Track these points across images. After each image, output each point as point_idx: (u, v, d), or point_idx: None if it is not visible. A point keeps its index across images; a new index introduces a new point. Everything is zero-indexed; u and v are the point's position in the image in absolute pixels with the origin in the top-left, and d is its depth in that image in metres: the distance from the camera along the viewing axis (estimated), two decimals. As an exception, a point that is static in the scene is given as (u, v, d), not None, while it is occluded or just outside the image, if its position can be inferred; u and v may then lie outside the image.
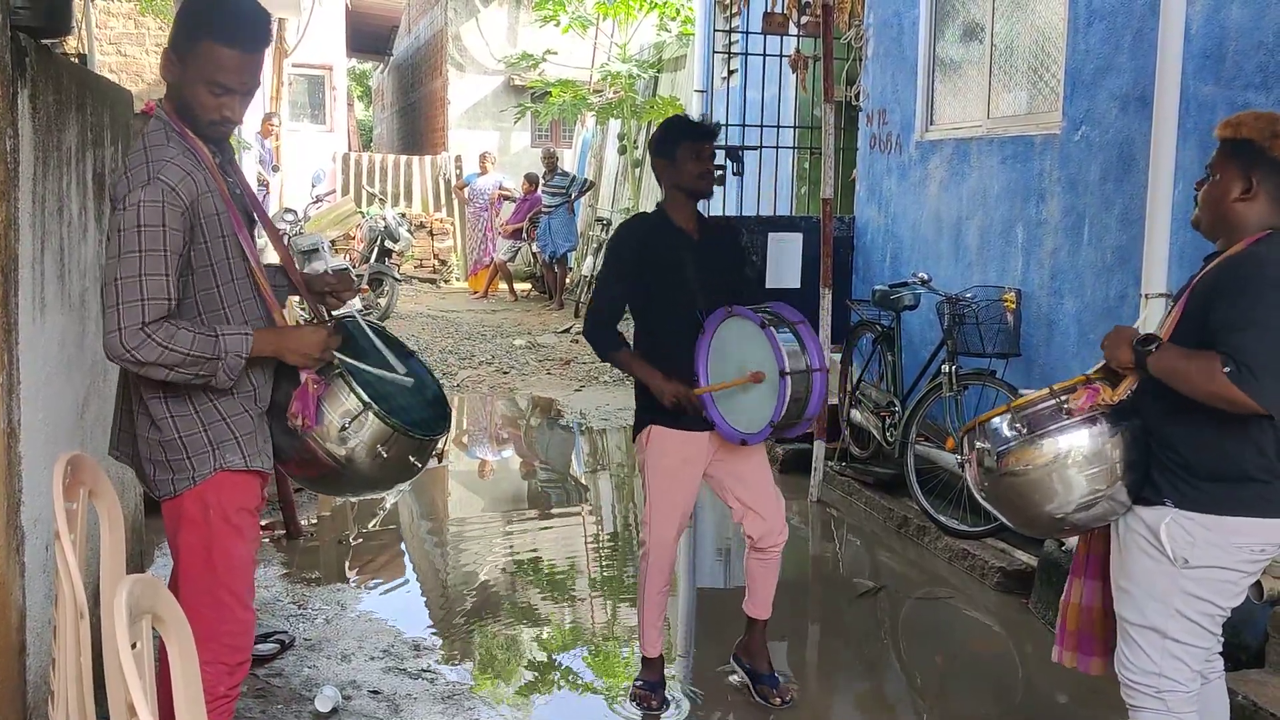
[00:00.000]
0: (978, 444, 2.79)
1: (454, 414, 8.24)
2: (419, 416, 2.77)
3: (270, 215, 13.28)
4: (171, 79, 2.51)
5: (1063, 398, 2.67)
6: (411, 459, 2.72)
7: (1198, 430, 2.56)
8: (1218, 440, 2.54)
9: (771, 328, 3.33)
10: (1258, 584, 3.66)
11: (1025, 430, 2.68)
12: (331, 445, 2.61)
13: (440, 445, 2.84)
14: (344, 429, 2.59)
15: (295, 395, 2.58)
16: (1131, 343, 2.61)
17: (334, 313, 2.88)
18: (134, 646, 1.59)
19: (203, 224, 2.46)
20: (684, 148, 3.58)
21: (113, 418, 2.73)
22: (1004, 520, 2.94)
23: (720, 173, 8.21)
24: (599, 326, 3.66)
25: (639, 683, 3.77)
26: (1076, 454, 2.63)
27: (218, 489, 2.55)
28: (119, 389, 2.69)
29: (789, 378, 3.26)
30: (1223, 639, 2.70)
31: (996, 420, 2.76)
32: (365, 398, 2.59)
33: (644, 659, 3.77)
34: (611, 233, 3.73)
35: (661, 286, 3.57)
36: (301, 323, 2.81)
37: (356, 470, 2.66)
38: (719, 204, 9.10)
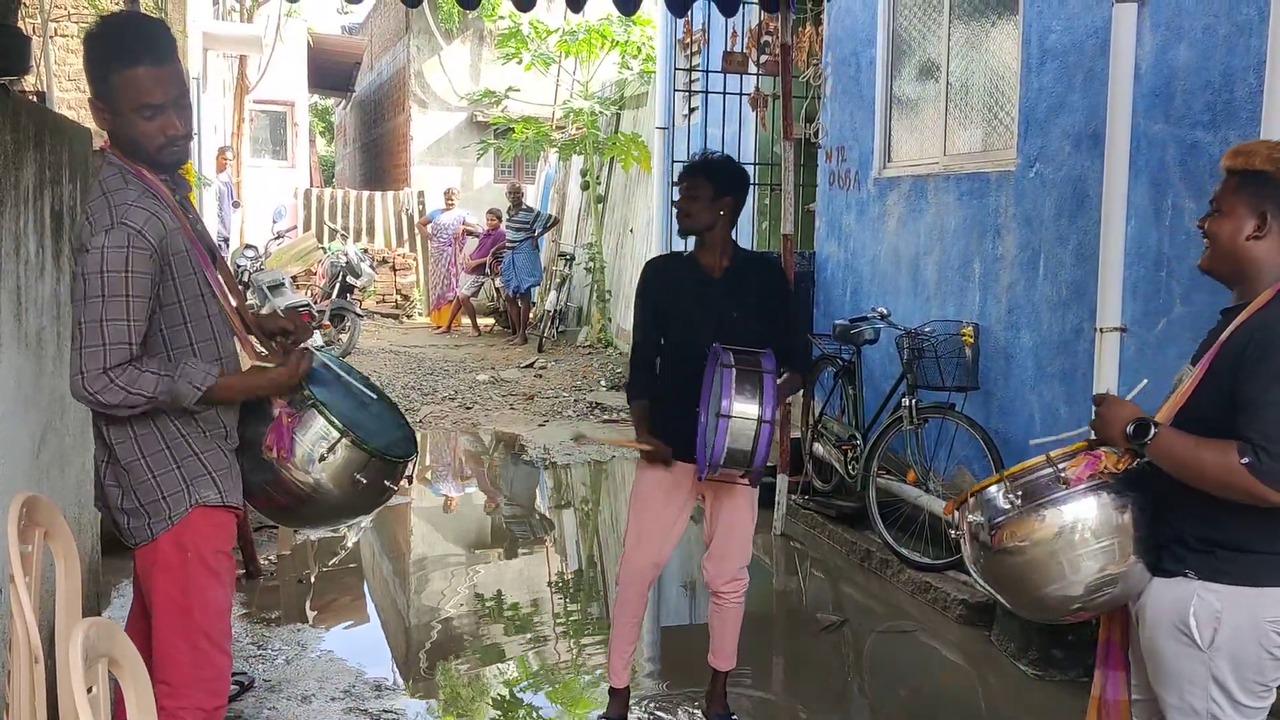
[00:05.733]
0: (970, 517, 2.50)
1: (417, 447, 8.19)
2: (388, 440, 2.81)
3: (230, 252, 13.19)
4: (107, 127, 2.51)
5: (1060, 466, 2.40)
6: (385, 482, 2.75)
7: (1215, 497, 2.26)
8: (1239, 507, 2.24)
9: (731, 369, 3.23)
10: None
11: (1020, 501, 2.40)
12: (302, 475, 2.63)
13: (410, 468, 2.87)
14: (322, 458, 2.62)
15: (270, 429, 2.60)
16: (1124, 429, 2.32)
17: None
18: (90, 691, 1.58)
19: (172, 262, 2.47)
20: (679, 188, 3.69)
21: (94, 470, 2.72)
22: (1007, 604, 2.63)
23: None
24: (632, 369, 3.74)
25: (601, 717, 3.75)
26: (1081, 527, 2.34)
27: (194, 529, 2.53)
28: (95, 440, 2.66)
29: (728, 421, 3.17)
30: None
31: (991, 489, 2.48)
32: (340, 425, 2.63)
33: (610, 690, 3.76)
34: None
35: (672, 323, 3.62)
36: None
37: (331, 497, 2.68)
38: (680, 240, 9.15)
